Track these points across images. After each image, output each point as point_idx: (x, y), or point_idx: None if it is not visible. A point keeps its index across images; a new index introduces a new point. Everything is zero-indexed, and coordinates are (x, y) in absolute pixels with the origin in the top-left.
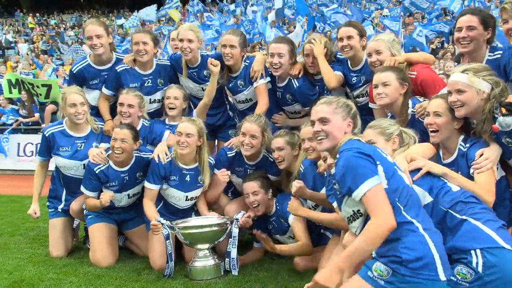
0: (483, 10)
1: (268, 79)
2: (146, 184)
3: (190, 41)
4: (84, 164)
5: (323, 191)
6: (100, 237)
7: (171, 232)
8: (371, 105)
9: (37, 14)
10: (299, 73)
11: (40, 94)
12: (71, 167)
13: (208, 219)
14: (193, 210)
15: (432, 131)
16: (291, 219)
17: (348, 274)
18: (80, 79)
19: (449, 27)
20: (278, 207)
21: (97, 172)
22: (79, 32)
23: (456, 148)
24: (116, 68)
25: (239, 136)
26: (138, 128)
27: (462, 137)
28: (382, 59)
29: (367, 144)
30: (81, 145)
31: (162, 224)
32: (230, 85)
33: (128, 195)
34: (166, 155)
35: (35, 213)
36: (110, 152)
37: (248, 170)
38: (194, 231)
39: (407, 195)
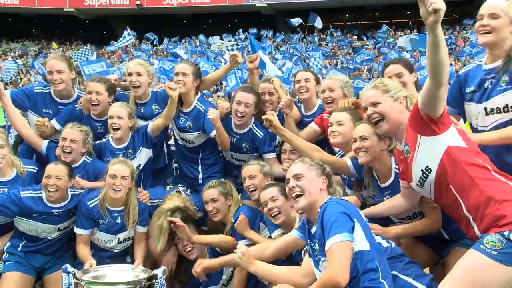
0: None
1: None
2: (76, 229)
3: (139, 74)
4: None
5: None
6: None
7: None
8: None
9: None
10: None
11: None
12: None
13: (122, 274)
14: (128, 253)
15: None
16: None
17: None
18: (33, 100)
19: None
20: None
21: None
22: (27, 62)
23: (391, 170)
24: (76, 106)
25: None
26: (77, 164)
27: (394, 158)
28: (334, 96)
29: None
30: (3, 190)
31: (69, 272)
32: (179, 123)
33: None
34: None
35: None
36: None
37: None
38: (101, 287)
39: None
